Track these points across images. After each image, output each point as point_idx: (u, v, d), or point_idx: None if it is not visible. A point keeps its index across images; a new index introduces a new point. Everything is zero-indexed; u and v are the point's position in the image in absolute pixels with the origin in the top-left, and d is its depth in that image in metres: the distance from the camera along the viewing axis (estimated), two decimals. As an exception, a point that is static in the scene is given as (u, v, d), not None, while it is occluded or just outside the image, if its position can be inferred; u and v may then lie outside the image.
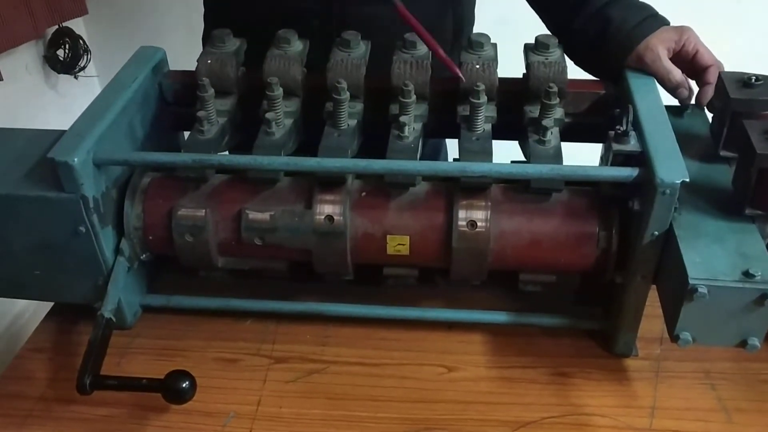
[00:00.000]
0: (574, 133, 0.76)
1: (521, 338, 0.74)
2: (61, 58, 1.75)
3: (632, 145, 0.65)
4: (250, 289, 0.78)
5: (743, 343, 0.60)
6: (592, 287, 0.73)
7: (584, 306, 0.75)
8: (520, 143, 0.75)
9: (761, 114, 0.66)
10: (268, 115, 0.72)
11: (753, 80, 0.67)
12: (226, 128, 0.75)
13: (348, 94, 0.72)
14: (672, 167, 0.61)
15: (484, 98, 0.70)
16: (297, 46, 0.77)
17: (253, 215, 0.70)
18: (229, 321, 0.77)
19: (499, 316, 0.74)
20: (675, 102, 0.77)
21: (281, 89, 0.73)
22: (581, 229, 0.68)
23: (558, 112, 0.71)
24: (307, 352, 0.74)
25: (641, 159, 0.64)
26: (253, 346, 0.75)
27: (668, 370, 0.71)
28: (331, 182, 0.70)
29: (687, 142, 0.71)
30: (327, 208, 0.69)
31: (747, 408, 0.67)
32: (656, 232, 0.63)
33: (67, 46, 1.74)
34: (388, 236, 0.70)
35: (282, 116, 0.73)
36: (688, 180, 0.60)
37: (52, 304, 0.80)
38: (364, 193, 0.71)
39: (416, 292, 0.78)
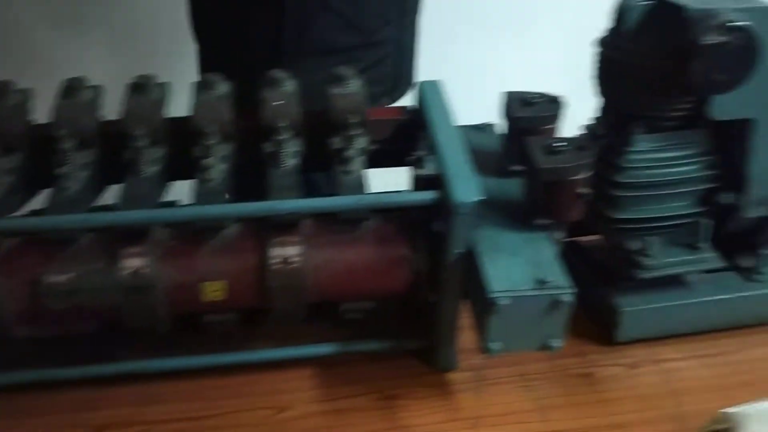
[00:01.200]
0: (380, 159, 0.78)
1: (349, 367, 0.75)
2: None
3: (430, 169, 0.68)
4: (61, 355, 0.72)
5: (546, 346, 0.64)
6: (412, 308, 0.76)
7: (406, 327, 0.77)
8: (327, 175, 0.76)
9: (542, 129, 0.71)
10: (62, 170, 0.68)
11: (533, 99, 0.72)
12: (16, 187, 0.69)
13: (147, 140, 0.70)
14: (467, 188, 0.65)
15: (286, 134, 0.71)
16: (87, 94, 0.73)
17: (51, 279, 0.65)
18: (41, 394, 0.71)
19: (324, 348, 0.74)
20: (473, 121, 0.82)
21: (72, 141, 0.69)
22: (392, 253, 0.70)
23: (361, 142, 0.73)
24: (130, 414, 0.70)
25: (440, 181, 0.67)
26: (69, 418, 0.70)
27: (489, 378, 0.74)
28: (136, 233, 0.67)
29: (482, 159, 0.75)
30: (133, 262, 0.66)
31: (561, 404, 0.72)
32: (459, 251, 0.66)
33: None
34: (203, 283, 0.68)
35: (77, 169, 0.69)
36: (482, 199, 0.64)
37: None
38: (172, 242, 0.68)
39: (242, 334, 0.76)
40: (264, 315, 0.77)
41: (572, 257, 0.86)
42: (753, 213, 0.76)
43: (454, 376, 0.74)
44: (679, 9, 0.67)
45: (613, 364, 0.76)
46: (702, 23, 0.64)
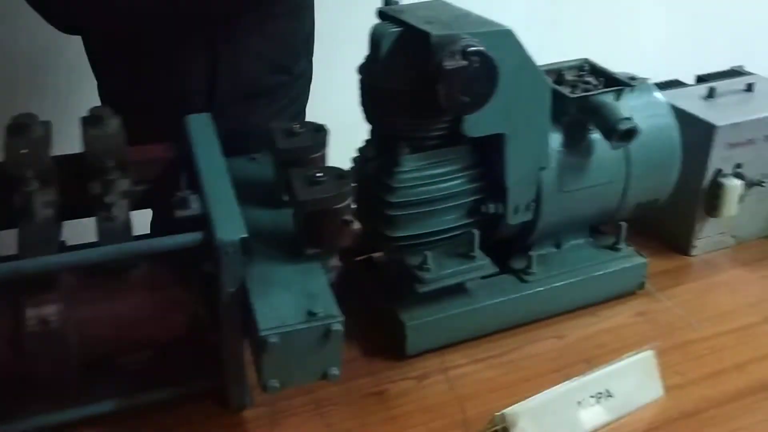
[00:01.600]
0: (151, 199, 0.75)
1: (141, 419, 0.71)
2: None
3: (193, 209, 0.66)
4: None
5: (326, 375, 0.65)
6: (199, 349, 0.73)
7: (195, 369, 0.74)
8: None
9: (309, 159, 0.72)
10: None
11: (297, 129, 0.72)
12: None
13: None
14: (230, 226, 0.64)
15: (35, 185, 0.66)
16: None
17: None
18: None
19: (107, 405, 0.70)
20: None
21: None
22: (165, 299, 0.68)
23: (122, 185, 0.70)
24: None
25: (205, 221, 0.66)
26: None
27: (284, 411, 0.74)
28: None
29: (255, 191, 0.75)
30: None
31: (353, 426, 0.72)
32: (231, 289, 0.65)
33: None
34: (-52, 357, 0.62)
35: None
36: (246, 237, 0.63)
37: None
38: None
39: (15, 399, 0.70)
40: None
41: (365, 275, 0.88)
42: (517, 219, 0.81)
43: (248, 414, 0.73)
44: (424, 35, 0.70)
45: (403, 378, 0.78)
46: (444, 49, 0.67)
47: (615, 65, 0.89)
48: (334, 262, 0.70)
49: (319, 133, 0.73)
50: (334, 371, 0.65)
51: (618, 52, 1.57)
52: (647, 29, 2.07)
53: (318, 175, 0.65)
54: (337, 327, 0.62)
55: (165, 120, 0.78)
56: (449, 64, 0.67)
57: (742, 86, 0.96)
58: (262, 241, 0.68)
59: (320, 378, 0.65)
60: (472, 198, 0.79)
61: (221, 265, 0.63)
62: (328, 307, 0.63)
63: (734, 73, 1.02)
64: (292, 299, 0.64)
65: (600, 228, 0.91)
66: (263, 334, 0.60)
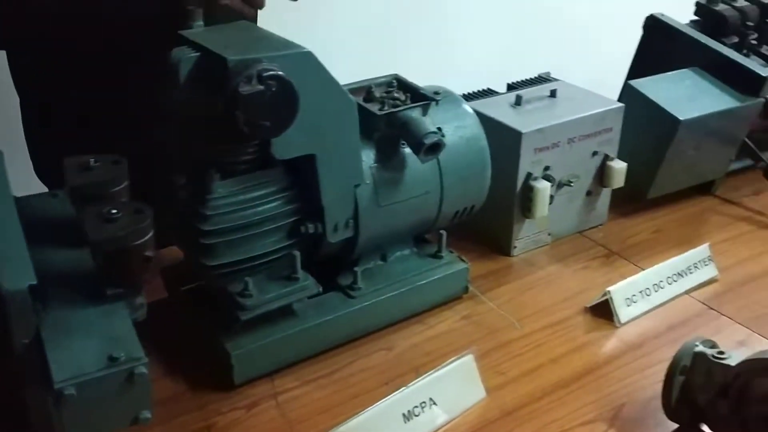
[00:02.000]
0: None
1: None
2: None
3: (-24, 257, 0.62)
4: None
5: (136, 420, 0.62)
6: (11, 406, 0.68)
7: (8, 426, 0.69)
8: None
9: (107, 194, 0.68)
10: None
11: (92, 163, 0.69)
12: None
13: None
14: (17, 273, 0.59)
15: None
16: None
17: None
18: None
19: None
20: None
21: None
22: (-49, 358, 0.62)
23: None
24: None
25: (-10, 270, 0.61)
26: None
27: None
28: None
29: (57, 230, 0.70)
30: None
31: (180, 465, 0.70)
32: (25, 341, 0.60)
33: None
34: None
35: None
36: (34, 283, 0.59)
37: None
38: None
39: None
40: None
41: (192, 305, 0.86)
42: (337, 237, 0.81)
43: (63, 467, 0.69)
44: (220, 60, 0.68)
45: (232, 408, 0.77)
46: (240, 74, 0.66)
47: (442, 79, 0.92)
48: (140, 301, 0.67)
49: (117, 165, 0.70)
50: (146, 414, 0.62)
51: (444, 65, 1.63)
52: (471, 40, 2.18)
53: (113, 211, 0.62)
54: (141, 370, 0.59)
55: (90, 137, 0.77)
56: (245, 89, 0.66)
57: (547, 92, 1.02)
58: (61, 285, 0.64)
59: (131, 423, 0.61)
60: (290, 219, 0.79)
61: (9, 316, 0.59)
62: (130, 349, 0.60)
63: (541, 79, 1.08)
64: (92, 345, 0.60)
65: (425, 237, 0.94)
66: (58, 386, 0.56)
